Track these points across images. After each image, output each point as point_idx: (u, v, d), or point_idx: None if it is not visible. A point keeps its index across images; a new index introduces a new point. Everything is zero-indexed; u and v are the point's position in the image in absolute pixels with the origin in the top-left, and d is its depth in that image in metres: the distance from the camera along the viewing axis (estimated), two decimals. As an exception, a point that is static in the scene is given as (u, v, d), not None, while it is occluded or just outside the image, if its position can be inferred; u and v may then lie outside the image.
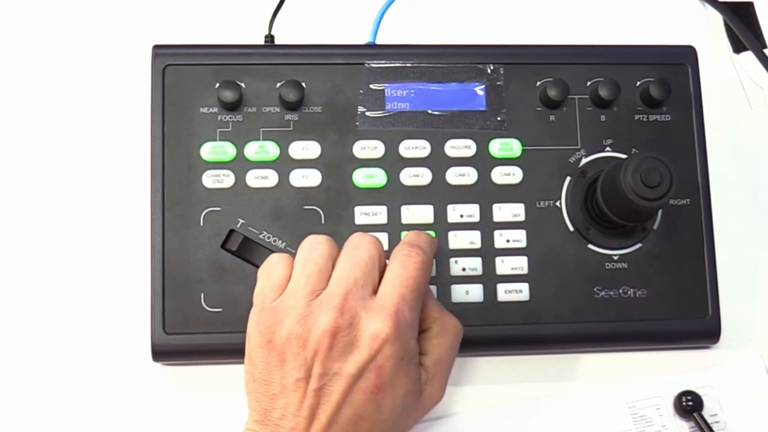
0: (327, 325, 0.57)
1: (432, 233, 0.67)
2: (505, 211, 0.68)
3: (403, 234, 0.67)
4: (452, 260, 0.67)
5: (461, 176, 0.68)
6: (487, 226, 0.68)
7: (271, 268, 0.61)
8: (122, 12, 0.75)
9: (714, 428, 0.68)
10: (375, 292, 0.59)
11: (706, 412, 0.68)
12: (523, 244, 0.68)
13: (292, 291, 0.59)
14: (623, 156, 0.69)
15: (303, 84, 0.68)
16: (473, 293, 0.67)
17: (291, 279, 0.60)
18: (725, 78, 0.79)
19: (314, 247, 0.60)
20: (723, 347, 0.70)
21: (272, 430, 0.57)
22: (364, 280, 0.59)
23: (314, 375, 0.57)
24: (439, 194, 0.68)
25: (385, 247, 0.67)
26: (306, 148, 0.68)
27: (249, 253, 0.66)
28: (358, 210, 0.67)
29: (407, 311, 0.58)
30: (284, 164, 0.67)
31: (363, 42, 0.73)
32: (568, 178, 0.69)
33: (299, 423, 0.57)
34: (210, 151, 0.67)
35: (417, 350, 0.60)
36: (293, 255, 0.61)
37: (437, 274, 0.67)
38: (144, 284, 0.66)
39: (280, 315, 0.58)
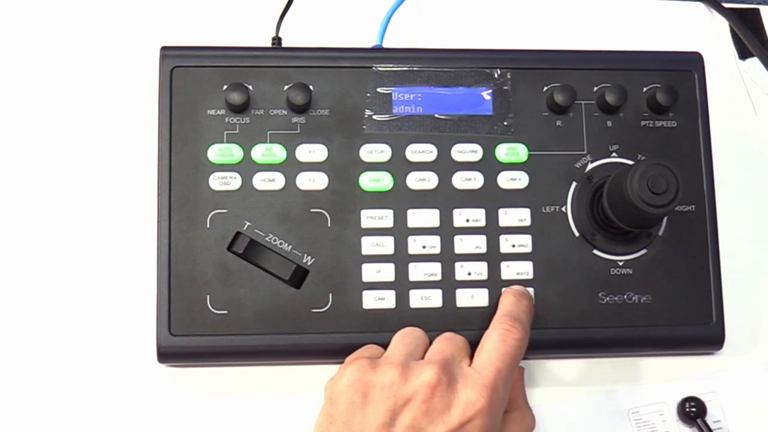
0: (429, 377, 0.57)
1: (530, 290, 0.67)
2: (511, 216, 0.68)
3: (410, 238, 0.67)
4: (458, 264, 0.67)
5: (467, 180, 0.68)
6: (492, 230, 0.68)
7: (369, 347, 0.64)
8: (130, 14, 0.75)
9: (717, 434, 0.68)
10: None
11: (710, 418, 0.69)
12: (528, 249, 0.68)
13: (390, 352, 0.61)
14: (629, 162, 0.69)
15: (310, 87, 0.68)
16: (478, 298, 0.67)
17: (388, 349, 0.62)
18: (731, 84, 0.79)
19: (410, 330, 0.64)
20: (727, 353, 0.70)
21: None
22: (460, 357, 0.61)
23: (400, 424, 0.56)
24: (446, 198, 0.68)
25: (389, 250, 0.67)
26: (313, 151, 0.68)
27: (255, 255, 0.66)
28: (365, 213, 0.67)
29: (501, 387, 0.59)
30: (291, 167, 0.67)
31: (370, 45, 0.73)
32: (574, 184, 0.69)
33: None
34: (217, 153, 0.67)
35: (500, 429, 0.60)
36: (300, 257, 0.63)
37: (442, 278, 0.67)
38: (150, 286, 0.66)
39: (377, 364, 0.59)
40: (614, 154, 0.70)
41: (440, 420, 0.56)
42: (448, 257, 0.67)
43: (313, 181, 0.67)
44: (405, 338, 0.62)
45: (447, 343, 0.62)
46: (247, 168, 0.67)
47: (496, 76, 0.70)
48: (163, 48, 0.68)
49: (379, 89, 0.69)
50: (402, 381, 0.57)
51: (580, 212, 0.69)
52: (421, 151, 0.68)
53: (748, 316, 0.72)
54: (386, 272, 0.67)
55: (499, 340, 0.61)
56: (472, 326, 0.66)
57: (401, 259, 0.67)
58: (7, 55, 0.74)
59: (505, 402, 0.60)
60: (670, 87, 0.70)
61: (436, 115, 0.69)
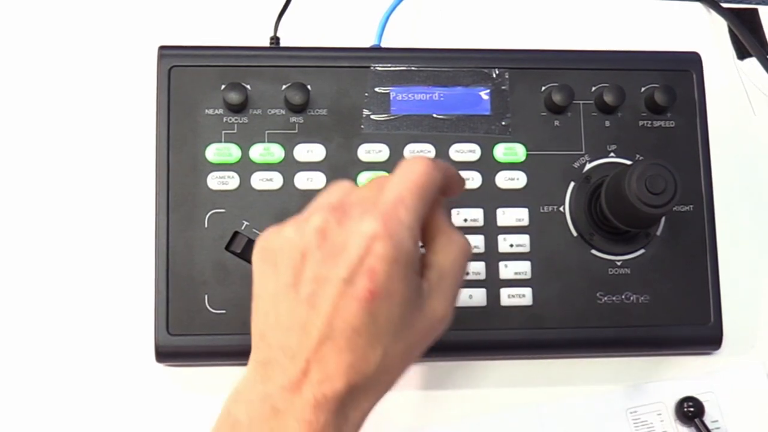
0: (317, 223, 0.52)
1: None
2: (509, 216, 0.68)
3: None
4: (456, 264, 0.67)
5: (465, 180, 0.68)
6: (490, 230, 0.68)
7: None
8: (128, 13, 0.75)
9: (715, 434, 0.68)
10: None
11: (708, 418, 0.69)
12: (526, 248, 0.68)
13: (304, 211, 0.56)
14: (627, 162, 0.69)
15: (308, 86, 0.68)
16: (476, 297, 0.67)
17: None
18: (729, 84, 0.79)
19: (333, 183, 0.57)
20: (725, 353, 0.70)
21: (264, 356, 0.52)
22: (368, 194, 0.54)
23: (304, 280, 0.52)
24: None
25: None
26: (311, 151, 0.68)
27: (253, 255, 0.66)
28: (363, 213, 0.67)
29: (404, 211, 0.53)
30: (289, 166, 0.67)
31: (368, 45, 0.73)
32: (572, 184, 0.69)
33: (290, 339, 0.51)
34: (215, 152, 0.67)
35: (416, 256, 0.53)
36: None
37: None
38: (148, 285, 0.66)
39: (280, 227, 0.55)
40: (612, 154, 0.70)
41: (339, 261, 0.51)
42: (446, 257, 0.67)
43: (311, 181, 0.67)
44: (324, 191, 0.57)
45: (358, 186, 0.56)
46: (245, 167, 0.67)
47: (494, 75, 0.70)
48: (161, 47, 0.68)
49: (377, 89, 0.69)
50: (296, 235, 0.53)
51: (578, 212, 0.69)
52: (419, 151, 0.69)
53: (746, 317, 0.72)
54: (384, 272, 0.66)
55: (403, 170, 0.54)
56: (470, 326, 0.66)
57: (399, 258, 0.67)
58: (4, 55, 0.74)
59: (415, 229, 0.53)
60: (668, 87, 0.70)
61: (434, 115, 0.69)
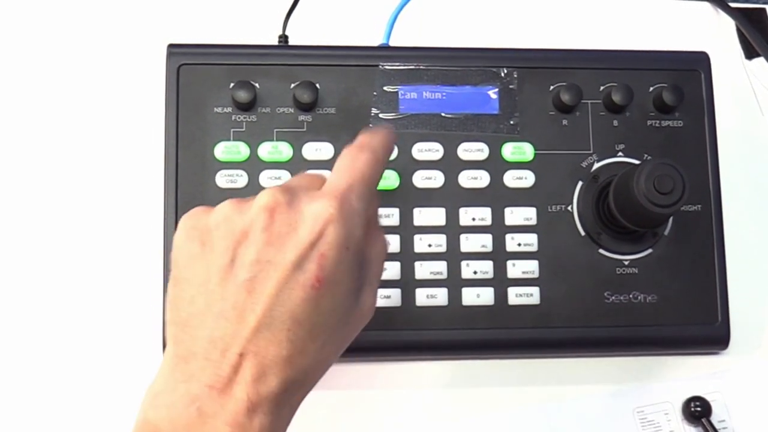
0: (265, 201, 0.48)
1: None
2: (517, 215, 0.68)
3: (416, 237, 0.67)
4: (463, 263, 0.67)
5: (474, 179, 0.68)
6: (498, 229, 0.68)
7: None
8: (137, 11, 0.75)
9: (722, 434, 0.68)
10: None
11: (715, 418, 0.69)
12: (534, 248, 0.68)
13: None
14: (635, 161, 0.69)
15: (317, 85, 0.68)
16: (484, 296, 0.67)
17: None
18: (737, 84, 0.79)
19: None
20: (732, 353, 0.70)
21: (187, 350, 0.47)
22: (309, 185, 0.52)
23: (243, 262, 0.47)
24: (452, 197, 0.68)
25: (395, 248, 0.67)
26: (319, 150, 0.68)
27: (261, 253, 0.66)
28: (371, 212, 0.67)
29: (354, 199, 0.50)
30: (297, 165, 0.68)
31: (377, 43, 0.73)
32: (580, 183, 0.69)
33: (221, 329, 0.46)
34: (224, 150, 0.67)
35: (363, 246, 0.51)
36: None
37: (448, 276, 0.67)
38: (157, 283, 0.66)
39: (212, 208, 0.51)
40: (620, 154, 0.70)
41: (288, 244, 0.47)
42: (454, 256, 0.67)
43: (320, 179, 0.67)
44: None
45: (299, 175, 0.55)
46: (253, 166, 0.67)
47: (502, 75, 0.70)
48: (170, 45, 0.68)
49: (385, 88, 0.69)
50: (237, 214, 0.48)
51: (586, 211, 0.69)
52: (427, 150, 0.69)
53: (754, 316, 0.72)
54: (392, 270, 0.67)
55: (348, 160, 0.52)
56: (477, 325, 0.66)
57: (407, 257, 0.67)
58: (14, 54, 0.74)
59: (364, 217, 0.51)
60: (676, 86, 0.70)
61: (443, 114, 0.69)
